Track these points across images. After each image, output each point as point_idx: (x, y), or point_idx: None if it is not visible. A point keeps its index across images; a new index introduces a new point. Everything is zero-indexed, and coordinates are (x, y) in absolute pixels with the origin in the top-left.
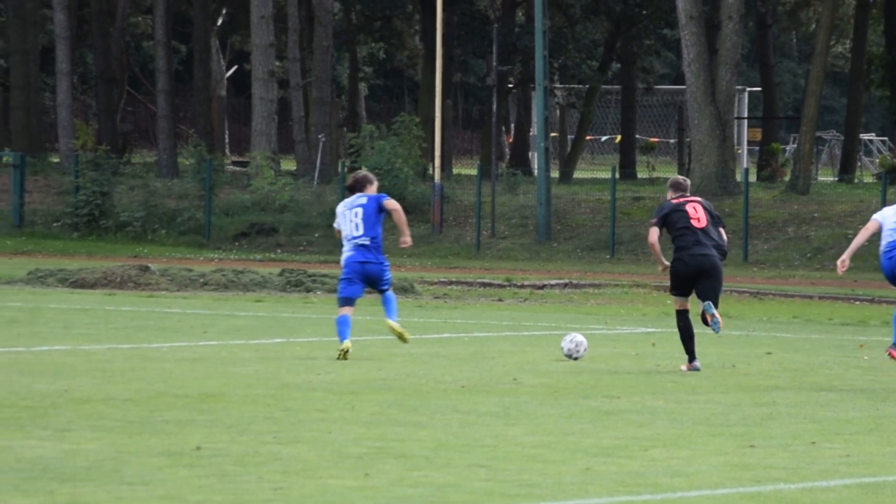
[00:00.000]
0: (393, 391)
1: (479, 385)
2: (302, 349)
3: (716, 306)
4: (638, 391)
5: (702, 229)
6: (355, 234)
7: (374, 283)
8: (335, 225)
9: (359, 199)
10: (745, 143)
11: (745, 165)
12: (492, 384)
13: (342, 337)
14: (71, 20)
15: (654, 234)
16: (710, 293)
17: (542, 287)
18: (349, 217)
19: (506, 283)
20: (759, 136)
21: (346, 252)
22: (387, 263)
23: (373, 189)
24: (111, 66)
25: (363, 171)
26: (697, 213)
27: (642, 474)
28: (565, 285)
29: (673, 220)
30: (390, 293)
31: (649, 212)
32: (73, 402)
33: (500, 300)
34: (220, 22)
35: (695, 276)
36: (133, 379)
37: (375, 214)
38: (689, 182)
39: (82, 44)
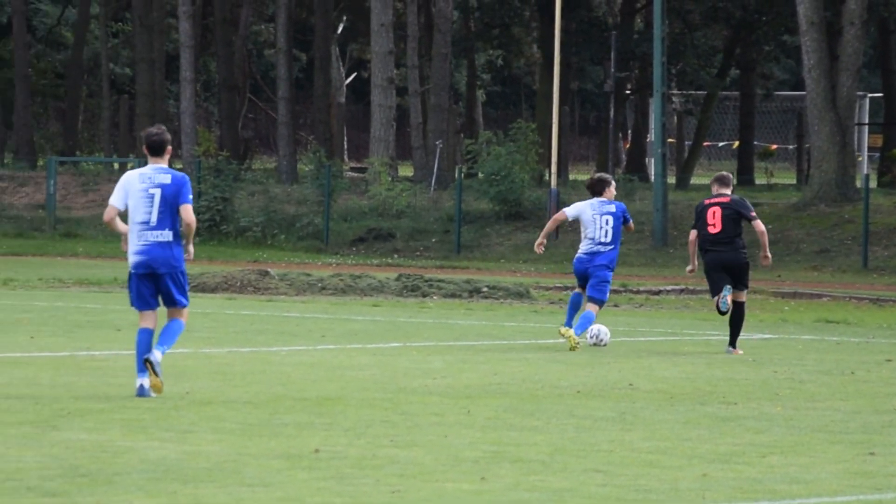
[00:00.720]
0: (509, 396)
1: (594, 390)
2: (418, 353)
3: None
4: (755, 397)
5: (715, 234)
6: (603, 239)
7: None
8: (570, 215)
9: (607, 206)
10: (866, 149)
11: (865, 172)
12: (607, 389)
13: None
14: (195, 29)
15: (692, 234)
16: (736, 280)
17: (658, 293)
18: (599, 223)
19: (621, 289)
20: (879, 143)
21: (584, 252)
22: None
23: (611, 191)
24: (234, 74)
25: (601, 174)
26: (714, 219)
27: (760, 481)
28: (681, 291)
29: (699, 222)
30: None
31: (767, 218)
32: (194, 405)
33: (615, 305)
34: (340, 30)
35: (719, 269)
36: (253, 382)
37: (621, 226)
38: (730, 177)
39: (206, 52)
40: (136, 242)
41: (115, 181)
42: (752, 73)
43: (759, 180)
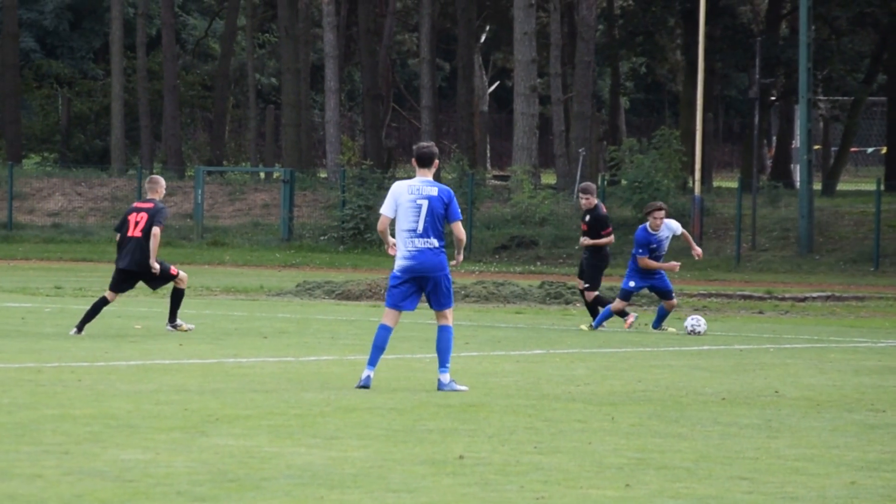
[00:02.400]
0: (653, 402)
1: (739, 397)
2: (562, 360)
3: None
4: None
5: None
6: None
7: None
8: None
9: None
10: None
11: None
12: (753, 396)
13: None
14: (340, 39)
15: None
16: None
17: (804, 300)
18: None
19: (766, 296)
20: None
21: None
22: None
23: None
24: (377, 84)
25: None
26: None
27: None
28: (828, 298)
29: None
30: None
31: None
32: (339, 411)
33: (760, 312)
34: (483, 39)
35: None
36: (397, 388)
37: None
38: None
39: (350, 62)
40: (405, 248)
41: (262, 190)
42: None
43: None
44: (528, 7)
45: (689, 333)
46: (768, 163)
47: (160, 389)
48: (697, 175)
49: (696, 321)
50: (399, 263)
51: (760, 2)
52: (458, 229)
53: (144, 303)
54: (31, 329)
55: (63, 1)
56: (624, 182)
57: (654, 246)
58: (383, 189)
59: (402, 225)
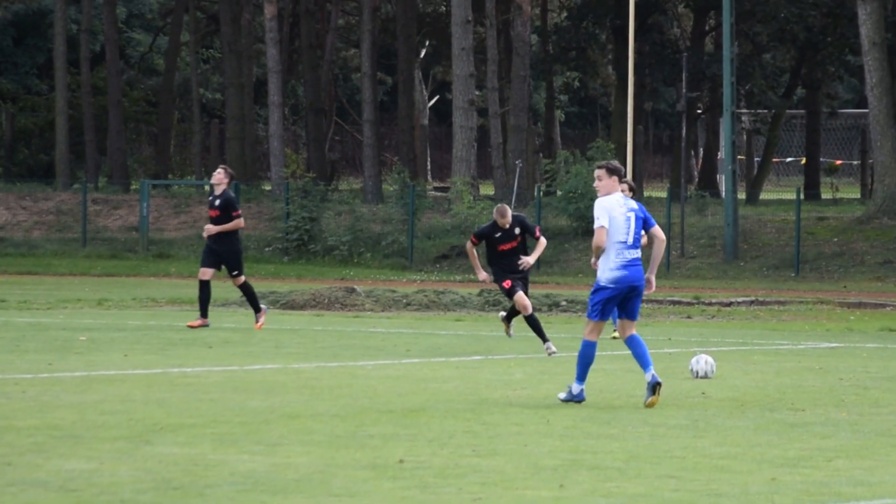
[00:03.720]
0: (586, 406)
1: (668, 399)
2: (500, 366)
3: None
4: (822, 404)
5: None
6: None
7: None
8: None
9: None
10: None
11: None
12: (681, 398)
13: None
14: (282, 55)
15: None
16: None
17: (730, 304)
18: None
19: (694, 301)
20: None
21: None
22: None
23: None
24: (320, 98)
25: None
26: None
27: (826, 484)
28: (752, 303)
29: None
30: None
31: (833, 231)
32: (283, 418)
33: (688, 317)
34: (423, 54)
35: None
36: (340, 395)
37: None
38: None
39: (293, 76)
40: (616, 260)
41: (206, 203)
42: (818, 92)
43: (825, 195)
44: (465, 24)
45: (701, 377)
46: (696, 173)
47: (105, 400)
48: None
49: (706, 366)
50: (611, 275)
51: (686, 19)
52: (661, 232)
53: (89, 314)
54: None
55: (5, 17)
56: (559, 193)
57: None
58: (327, 201)
59: (615, 237)
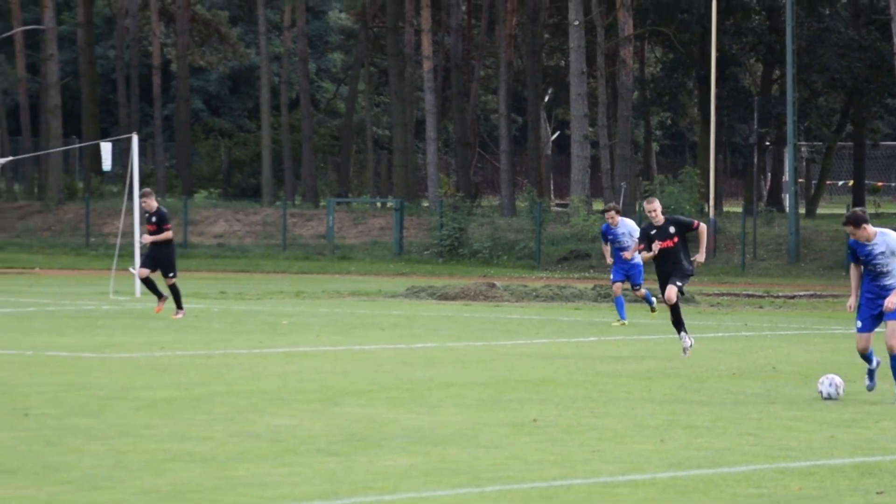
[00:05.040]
0: (680, 377)
1: (746, 372)
2: (610, 346)
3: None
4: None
5: None
6: None
7: None
8: None
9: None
10: None
11: None
12: (756, 371)
13: None
14: (437, 100)
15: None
16: None
17: (793, 297)
18: None
19: (765, 294)
20: None
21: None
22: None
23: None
24: (466, 134)
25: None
26: None
27: (875, 441)
28: (811, 296)
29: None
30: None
31: None
32: (441, 386)
33: (760, 307)
34: (546, 98)
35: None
36: (485, 368)
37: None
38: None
39: (445, 117)
40: None
41: (378, 216)
42: (863, 127)
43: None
44: (580, 75)
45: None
46: (765, 193)
47: (302, 370)
48: (711, 202)
49: (833, 387)
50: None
51: (757, 70)
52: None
53: (289, 303)
54: (202, 324)
55: (224, 71)
56: None
57: (611, 238)
58: (472, 215)
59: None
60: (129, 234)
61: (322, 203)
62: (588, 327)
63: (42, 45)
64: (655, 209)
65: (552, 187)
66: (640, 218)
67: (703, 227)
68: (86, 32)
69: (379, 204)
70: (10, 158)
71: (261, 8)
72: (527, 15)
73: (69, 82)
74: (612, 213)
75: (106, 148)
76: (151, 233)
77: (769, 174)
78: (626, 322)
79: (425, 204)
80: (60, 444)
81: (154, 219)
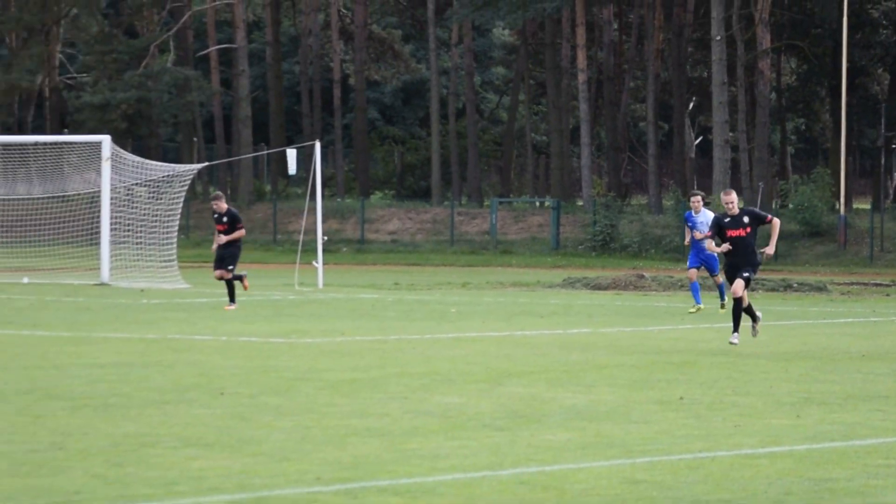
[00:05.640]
0: (814, 359)
1: (874, 354)
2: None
3: None
4: None
5: None
6: None
7: None
8: None
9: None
10: None
11: None
12: (883, 354)
13: None
14: (590, 109)
15: None
16: None
17: None
18: None
19: (891, 283)
20: None
21: None
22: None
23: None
24: (617, 139)
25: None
26: None
27: None
28: None
29: None
30: None
31: None
32: (594, 368)
33: (887, 295)
34: (690, 106)
35: None
36: (635, 351)
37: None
38: None
39: (597, 124)
40: None
41: (537, 214)
42: None
43: None
44: (721, 85)
45: None
46: (891, 191)
47: (469, 354)
48: (842, 200)
49: None
50: None
51: (884, 79)
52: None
53: (456, 293)
54: (378, 313)
55: (397, 84)
56: (791, 206)
57: (690, 226)
58: (622, 213)
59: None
60: (311, 231)
61: (486, 203)
62: (727, 315)
63: (234, 62)
64: (732, 200)
65: (695, 187)
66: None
67: (776, 220)
68: (273, 50)
69: (537, 203)
70: (206, 164)
71: (431, 26)
72: (673, 31)
73: (258, 95)
74: (698, 199)
75: (291, 154)
76: (223, 232)
77: (895, 174)
78: (701, 307)
79: (580, 203)
80: (253, 420)
81: (225, 219)
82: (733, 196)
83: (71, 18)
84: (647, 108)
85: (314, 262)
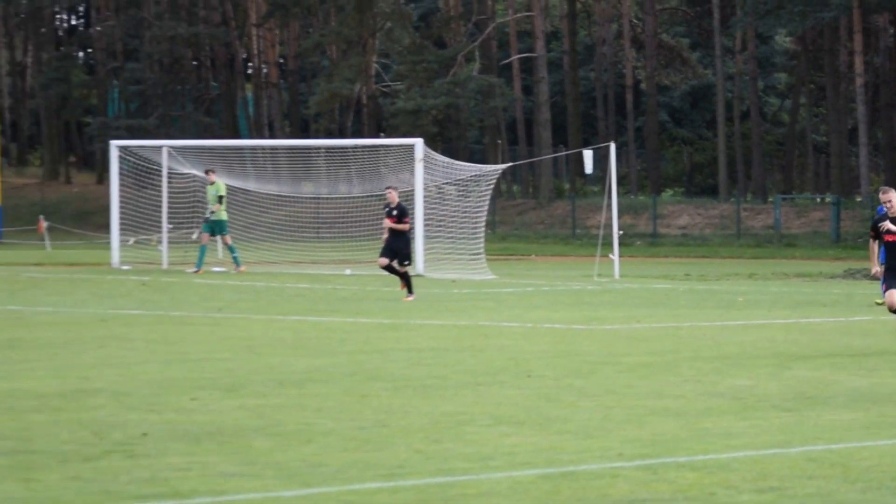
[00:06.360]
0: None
1: None
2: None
3: None
4: None
5: None
6: None
7: None
8: None
9: None
10: None
11: None
12: None
13: None
14: (868, 111)
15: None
16: None
17: None
18: None
19: None
20: None
21: None
22: None
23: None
24: (894, 139)
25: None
26: None
27: None
28: None
29: None
30: None
31: None
32: (876, 353)
33: None
34: None
35: None
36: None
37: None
38: None
39: (875, 125)
40: None
41: (818, 210)
42: None
43: None
44: None
45: None
46: None
47: (757, 339)
48: None
49: None
50: None
51: None
52: None
53: (745, 283)
54: (671, 301)
55: (685, 89)
56: None
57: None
58: None
59: None
60: (608, 225)
61: (770, 199)
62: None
63: (534, 70)
64: (891, 199)
65: None
66: None
67: None
68: (570, 58)
69: (818, 199)
70: (510, 164)
71: (717, 35)
72: None
73: (557, 100)
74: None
75: (588, 155)
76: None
77: None
78: None
79: (859, 199)
80: (558, 400)
81: (395, 212)
82: (892, 195)
83: (385, 31)
84: None
85: (611, 255)
